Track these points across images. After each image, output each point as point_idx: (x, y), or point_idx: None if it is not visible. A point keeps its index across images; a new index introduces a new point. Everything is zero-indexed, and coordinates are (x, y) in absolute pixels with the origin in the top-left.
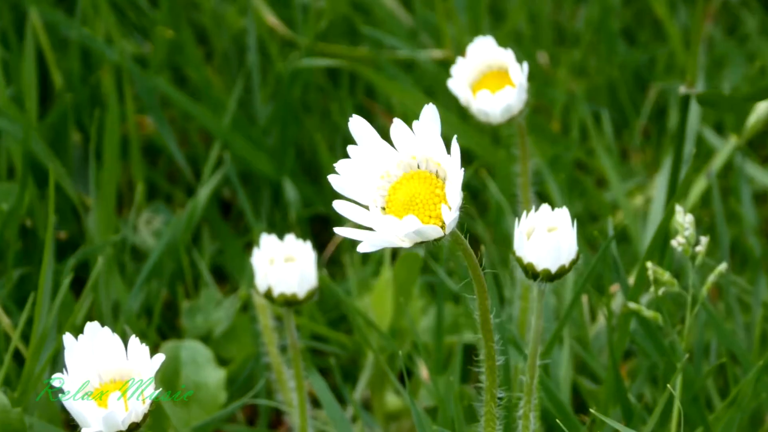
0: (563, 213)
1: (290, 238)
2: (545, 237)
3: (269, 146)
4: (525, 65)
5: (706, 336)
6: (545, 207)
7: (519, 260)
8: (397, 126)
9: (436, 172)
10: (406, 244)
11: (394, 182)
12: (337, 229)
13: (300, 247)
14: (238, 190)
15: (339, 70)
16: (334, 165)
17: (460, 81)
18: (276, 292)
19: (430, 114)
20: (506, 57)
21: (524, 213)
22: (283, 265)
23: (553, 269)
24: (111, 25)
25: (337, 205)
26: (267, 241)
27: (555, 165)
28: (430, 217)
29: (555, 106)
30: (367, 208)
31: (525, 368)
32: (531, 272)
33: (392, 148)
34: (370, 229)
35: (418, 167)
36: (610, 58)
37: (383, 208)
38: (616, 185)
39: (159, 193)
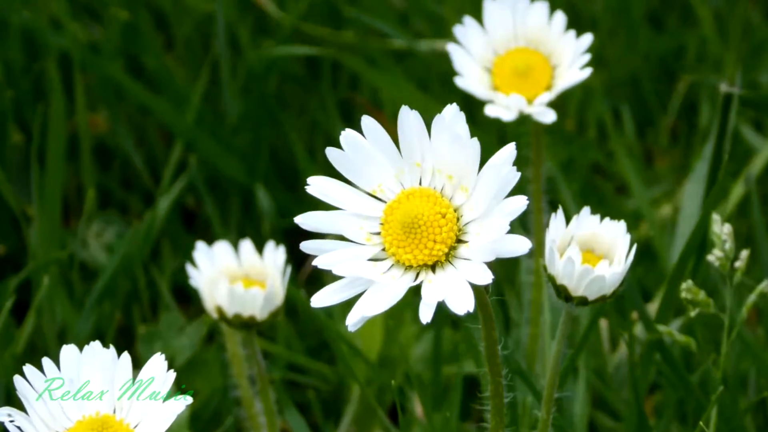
0: (619, 231)
1: (246, 246)
2: (591, 271)
3: (239, 147)
4: (588, 37)
5: (743, 366)
6: (586, 213)
7: (551, 278)
8: (406, 117)
9: (443, 188)
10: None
11: (391, 201)
12: (315, 300)
13: (268, 257)
14: (204, 197)
15: (320, 60)
16: (308, 189)
17: (471, 71)
18: (230, 312)
19: (453, 114)
20: (549, 27)
21: (554, 217)
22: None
23: (592, 297)
24: (58, 7)
25: (321, 261)
26: (205, 253)
27: (569, 169)
28: (435, 242)
29: (569, 101)
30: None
31: (535, 403)
32: (564, 294)
33: (394, 150)
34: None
35: (420, 182)
36: (632, 47)
37: (377, 234)
38: (639, 192)
39: (112, 201)
